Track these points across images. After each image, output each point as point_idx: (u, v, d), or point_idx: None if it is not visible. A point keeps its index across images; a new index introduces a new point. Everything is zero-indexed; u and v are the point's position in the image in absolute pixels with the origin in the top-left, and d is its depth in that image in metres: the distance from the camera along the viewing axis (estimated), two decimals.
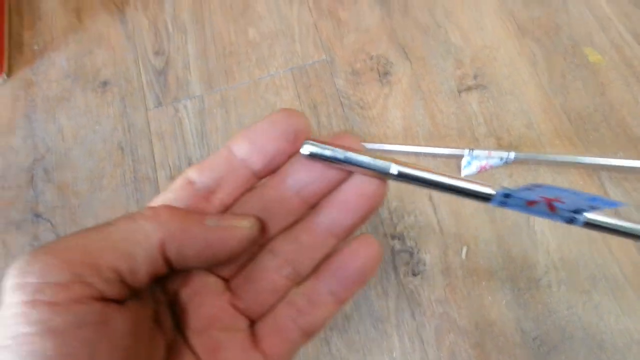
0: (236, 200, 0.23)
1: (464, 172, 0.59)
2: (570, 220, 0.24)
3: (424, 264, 0.57)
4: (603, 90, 0.65)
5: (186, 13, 0.74)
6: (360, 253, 0.23)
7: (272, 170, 0.23)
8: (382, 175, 0.22)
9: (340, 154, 0.22)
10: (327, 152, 0.22)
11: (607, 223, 0.24)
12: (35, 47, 0.74)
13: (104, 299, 0.18)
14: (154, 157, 0.65)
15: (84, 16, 0.75)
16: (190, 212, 0.21)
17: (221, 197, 0.23)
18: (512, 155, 0.58)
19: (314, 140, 0.22)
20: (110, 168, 0.65)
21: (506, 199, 0.23)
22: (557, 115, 0.64)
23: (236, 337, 0.23)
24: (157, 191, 0.63)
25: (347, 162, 0.22)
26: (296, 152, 0.23)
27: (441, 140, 0.63)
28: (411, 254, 0.57)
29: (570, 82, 0.66)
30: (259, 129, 0.22)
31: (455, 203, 0.60)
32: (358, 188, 0.23)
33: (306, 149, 0.22)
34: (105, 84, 0.70)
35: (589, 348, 0.52)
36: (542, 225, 0.58)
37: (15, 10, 0.77)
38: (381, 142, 0.64)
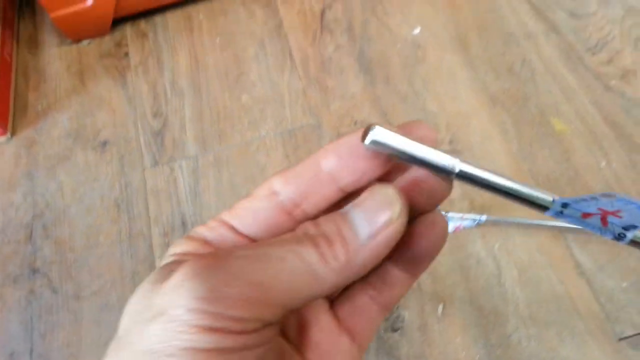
0: (320, 213, 0.23)
1: None
2: (618, 237, 0.24)
3: (403, 320, 0.60)
4: (568, 157, 0.70)
5: (184, 79, 0.80)
6: (427, 233, 0.24)
7: (359, 186, 0.23)
8: (443, 174, 0.22)
9: (405, 144, 0.21)
10: (394, 144, 0.21)
11: None
12: (39, 108, 0.78)
13: (270, 325, 0.20)
14: (148, 214, 0.69)
15: (87, 80, 0.81)
16: (346, 238, 0.20)
17: (305, 208, 0.23)
18: (483, 217, 0.63)
19: (383, 127, 0.21)
20: (106, 225, 0.68)
21: (563, 209, 0.23)
22: (526, 180, 0.69)
23: (322, 317, 0.23)
24: (150, 248, 0.66)
25: (408, 156, 0.21)
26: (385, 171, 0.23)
27: None
28: (391, 311, 0.61)
29: (537, 149, 0.71)
30: (349, 144, 0.22)
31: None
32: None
33: (371, 136, 0.20)
34: (104, 143, 0.75)
35: None
36: (513, 284, 0.62)
37: (22, 73, 0.82)
38: None
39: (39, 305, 0.63)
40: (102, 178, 0.72)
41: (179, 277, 0.18)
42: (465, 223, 0.63)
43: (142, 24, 0.85)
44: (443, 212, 0.63)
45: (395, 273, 0.24)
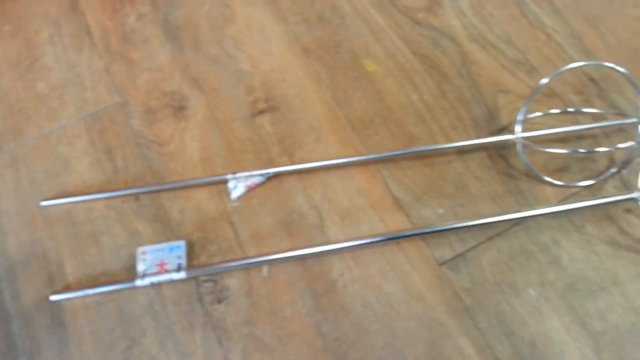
0: None
1: (234, 195, 0.62)
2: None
3: (229, 289, 0.58)
4: (381, 97, 0.70)
5: None
6: None
7: None
8: None
9: None
10: None
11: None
12: None
13: None
14: None
15: None
16: None
17: None
18: (272, 171, 0.62)
19: None
20: None
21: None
22: (342, 126, 0.68)
23: None
24: None
25: None
26: None
27: (238, 165, 0.65)
28: (215, 282, 0.58)
29: (351, 93, 0.71)
30: None
31: (254, 225, 0.61)
32: None
33: None
34: None
35: (384, 338, 0.55)
36: (335, 230, 0.61)
37: None
38: (181, 177, 0.64)
39: None
40: None
41: None
42: (256, 179, 0.62)
43: None
44: (230, 175, 0.61)
45: None
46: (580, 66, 0.67)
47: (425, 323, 0.56)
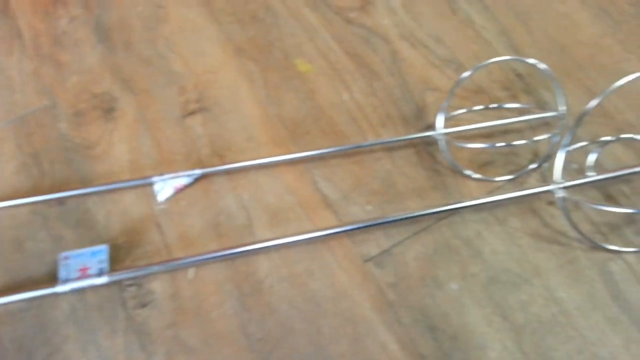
0: None
1: (161, 197, 0.61)
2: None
3: (153, 293, 0.58)
4: (313, 96, 0.71)
5: None
6: None
7: None
8: None
9: None
10: None
11: None
12: None
13: None
14: None
15: None
16: None
17: None
18: (198, 171, 0.62)
19: None
20: None
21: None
22: (274, 126, 0.68)
23: None
24: None
25: None
26: None
27: (168, 166, 0.65)
28: (139, 286, 0.58)
29: (284, 93, 0.71)
30: None
31: (182, 226, 0.61)
32: None
33: None
34: None
35: (309, 335, 0.56)
36: (263, 230, 0.61)
37: None
38: (108, 180, 0.64)
39: None
40: None
41: None
42: (183, 180, 0.62)
43: None
44: (157, 176, 0.61)
45: None
46: (502, 60, 0.68)
47: (350, 320, 0.57)
